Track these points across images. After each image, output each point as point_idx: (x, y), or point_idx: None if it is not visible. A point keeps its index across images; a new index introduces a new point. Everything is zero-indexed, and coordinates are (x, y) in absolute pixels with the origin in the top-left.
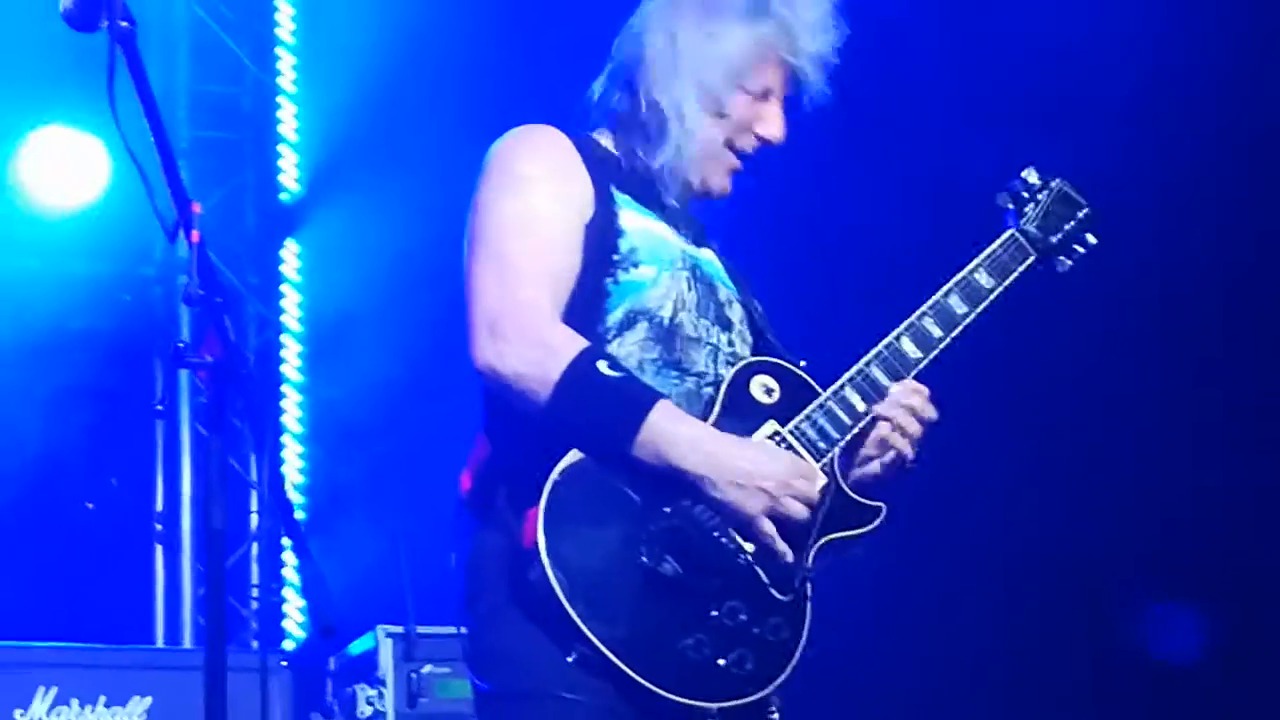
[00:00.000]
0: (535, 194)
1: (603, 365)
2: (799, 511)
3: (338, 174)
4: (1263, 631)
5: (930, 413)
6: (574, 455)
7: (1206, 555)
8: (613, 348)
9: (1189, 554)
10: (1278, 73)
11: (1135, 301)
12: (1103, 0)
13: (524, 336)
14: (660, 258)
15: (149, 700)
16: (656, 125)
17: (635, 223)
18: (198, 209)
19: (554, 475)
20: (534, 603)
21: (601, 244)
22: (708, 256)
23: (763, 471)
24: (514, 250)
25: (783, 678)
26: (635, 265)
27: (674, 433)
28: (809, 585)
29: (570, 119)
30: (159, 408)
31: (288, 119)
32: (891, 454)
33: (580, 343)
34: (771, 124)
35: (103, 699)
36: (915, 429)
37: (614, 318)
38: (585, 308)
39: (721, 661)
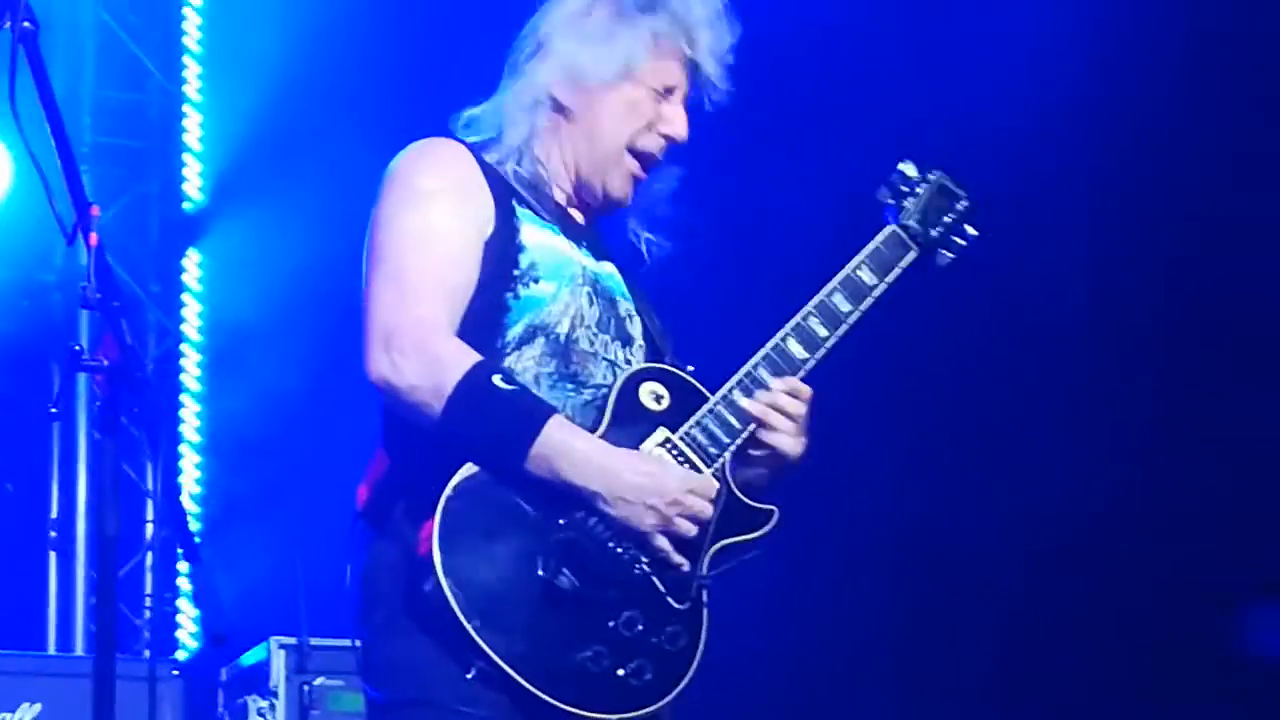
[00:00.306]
0: (435, 209)
1: (497, 379)
2: (688, 530)
3: (241, 184)
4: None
5: (799, 408)
6: (469, 469)
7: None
8: (510, 361)
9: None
10: (1212, 70)
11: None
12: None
13: (418, 351)
14: (560, 273)
15: (38, 707)
16: (531, 132)
17: (536, 238)
18: (96, 212)
19: (448, 490)
20: (430, 617)
21: (502, 259)
22: (608, 270)
23: (653, 487)
24: (411, 266)
25: (682, 685)
26: (535, 280)
27: (567, 447)
28: (705, 592)
29: (473, 129)
30: (53, 410)
31: (192, 128)
32: (772, 451)
33: (473, 356)
34: (675, 122)
35: None
36: (788, 427)
37: (513, 332)
38: (485, 322)
39: (621, 672)
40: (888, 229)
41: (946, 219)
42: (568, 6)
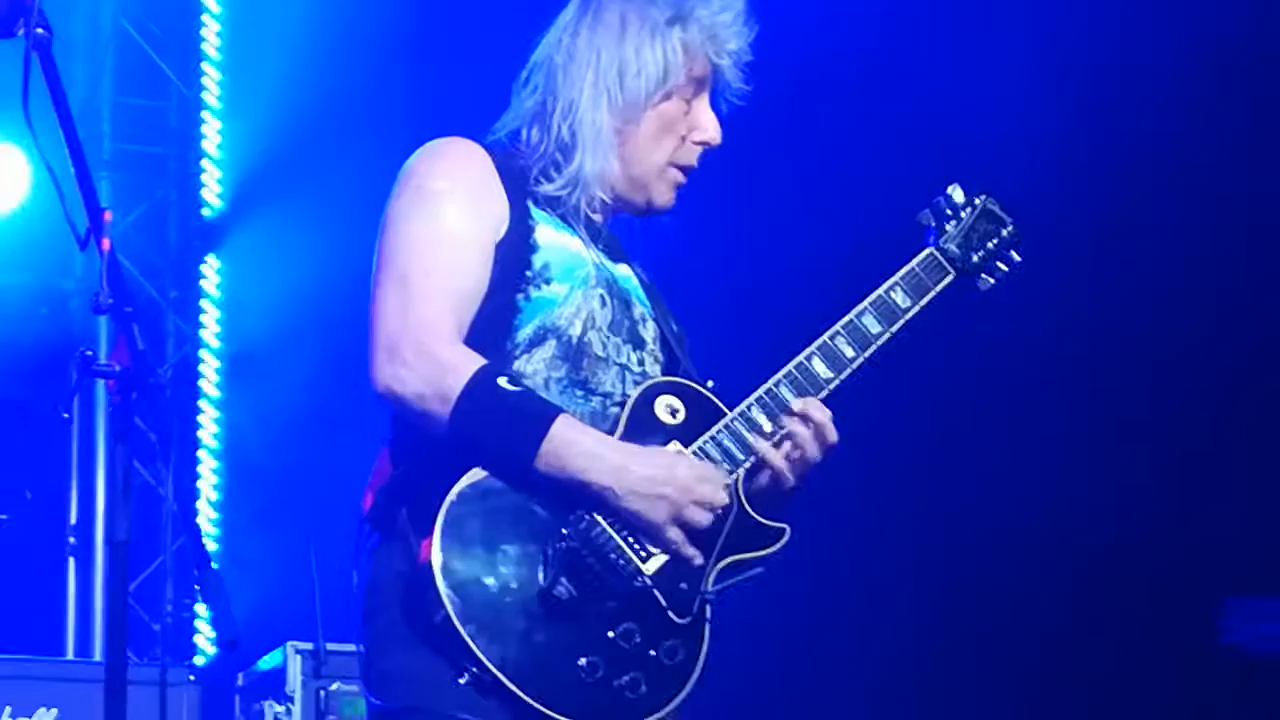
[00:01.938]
0: (445, 211)
1: (502, 381)
2: (703, 519)
3: (260, 191)
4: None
5: (827, 419)
6: (475, 475)
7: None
8: (520, 364)
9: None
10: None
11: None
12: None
13: (421, 357)
14: (573, 275)
15: (55, 712)
16: (562, 145)
17: (549, 238)
18: (109, 217)
19: (451, 495)
20: (428, 623)
21: (514, 260)
22: (624, 273)
23: (665, 477)
24: (417, 270)
25: (678, 701)
26: (547, 282)
27: (577, 444)
28: (708, 608)
29: (491, 134)
30: (65, 415)
31: (211, 134)
32: (785, 471)
33: (478, 361)
34: (709, 128)
35: (8, 709)
36: (813, 451)
37: (523, 334)
38: (495, 323)
39: (616, 684)
40: (925, 251)
41: (990, 244)
42: (600, 18)
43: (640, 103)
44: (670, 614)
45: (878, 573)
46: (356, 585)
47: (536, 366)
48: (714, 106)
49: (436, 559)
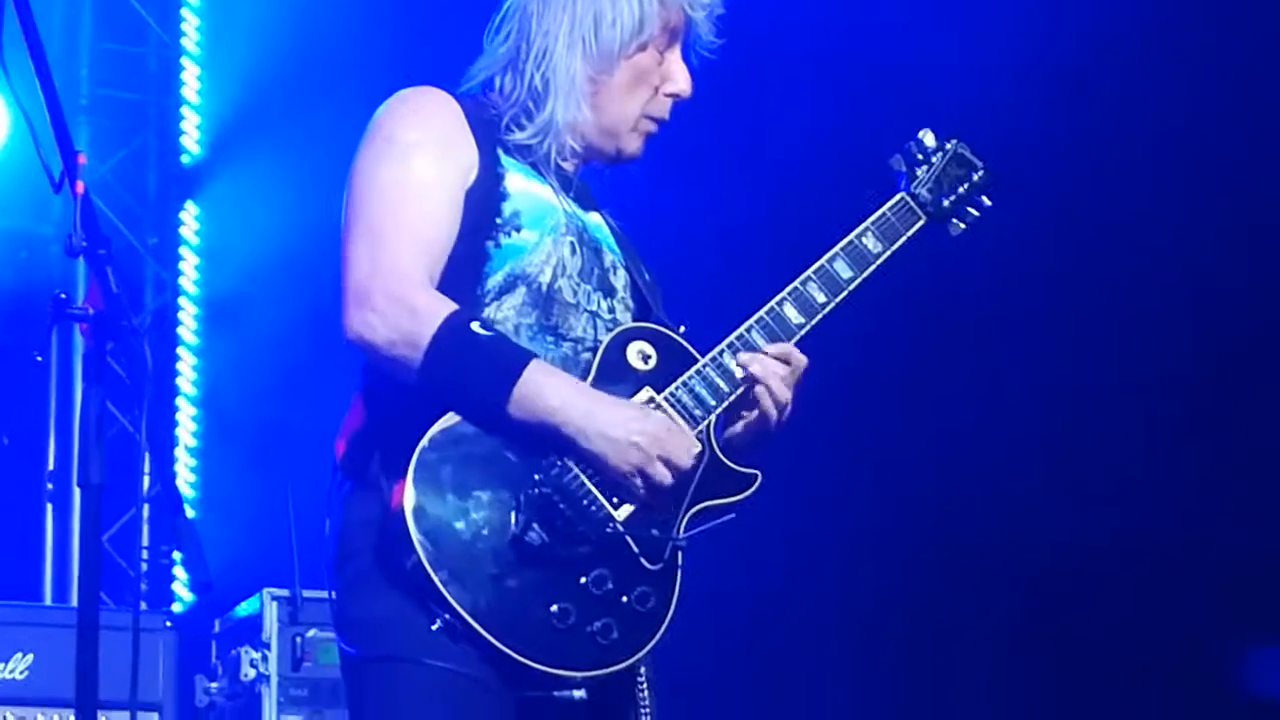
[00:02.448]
0: (414, 160)
1: (474, 326)
2: (664, 476)
3: (239, 138)
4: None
5: (789, 377)
6: (447, 420)
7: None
8: (490, 311)
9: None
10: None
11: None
12: None
13: (391, 304)
14: (543, 222)
15: (30, 657)
16: (534, 93)
17: (520, 186)
18: (83, 160)
19: (423, 441)
20: (399, 569)
21: (484, 207)
22: (595, 221)
23: (634, 429)
24: (386, 220)
25: (649, 647)
26: (517, 229)
27: (549, 387)
28: (680, 554)
29: (465, 81)
30: (38, 358)
31: (191, 81)
32: (756, 415)
33: (449, 306)
34: (680, 79)
35: None
36: (784, 393)
37: (493, 281)
38: (465, 270)
39: (588, 630)
40: (896, 196)
41: (961, 189)
42: None
43: (615, 52)
44: (642, 560)
45: (859, 557)
46: (328, 532)
47: (506, 313)
48: (685, 58)
49: (409, 504)
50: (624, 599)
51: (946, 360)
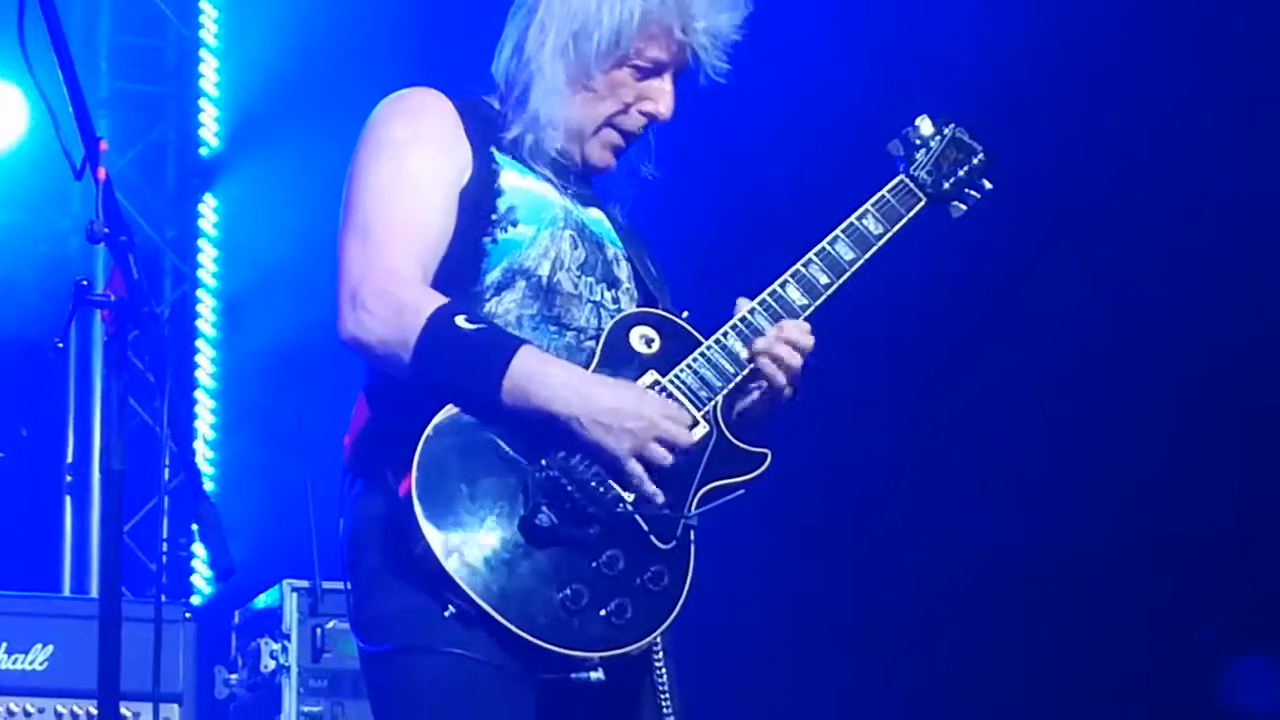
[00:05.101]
0: (406, 159)
1: (460, 319)
2: (663, 457)
3: (258, 130)
4: None
5: (807, 343)
6: (448, 411)
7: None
8: (491, 305)
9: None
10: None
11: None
12: None
13: (381, 301)
14: (539, 217)
15: (51, 648)
16: (522, 90)
17: (514, 182)
18: (105, 146)
19: (427, 432)
20: (411, 561)
21: (479, 204)
22: (595, 215)
23: (631, 411)
24: (378, 218)
25: (664, 626)
26: (513, 224)
27: (541, 374)
28: (692, 533)
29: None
30: (59, 345)
31: (209, 73)
32: (766, 388)
33: (437, 300)
34: (660, 101)
35: (4, 645)
36: (795, 362)
37: (491, 277)
38: (462, 267)
39: (602, 611)
40: (896, 179)
41: (961, 172)
42: None
43: (589, 65)
44: (653, 539)
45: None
46: (341, 533)
47: (508, 306)
48: (691, 78)
49: (416, 492)
50: (637, 579)
51: (947, 361)
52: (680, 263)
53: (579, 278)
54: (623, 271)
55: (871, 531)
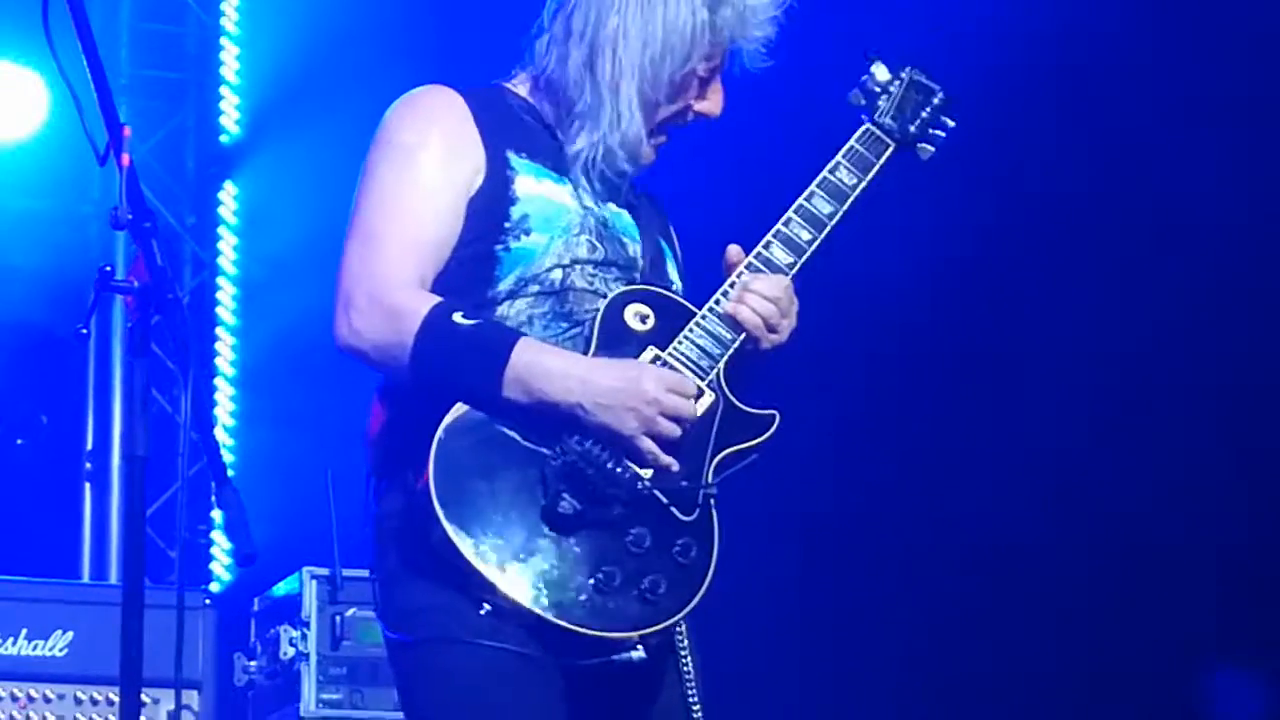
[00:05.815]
0: (414, 163)
1: (456, 316)
2: (671, 430)
3: (278, 117)
4: None
5: (774, 292)
6: (459, 409)
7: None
8: (503, 309)
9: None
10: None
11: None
12: None
13: (374, 305)
14: (553, 224)
15: (71, 634)
16: (590, 104)
17: (529, 189)
18: (128, 133)
19: (439, 431)
20: (438, 561)
21: (492, 211)
22: (615, 210)
23: (631, 390)
24: (380, 224)
25: (699, 596)
26: (526, 233)
27: (540, 365)
28: (712, 501)
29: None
30: (83, 331)
31: (230, 60)
32: (757, 347)
33: (430, 300)
34: (713, 101)
35: (24, 631)
36: (765, 309)
37: (504, 285)
38: (475, 274)
39: (635, 590)
40: (863, 127)
41: (924, 114)
42: None
43: (661, 84)
44: (676, 512)
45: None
46: (368, 535)
47: (519, 308)
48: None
49: (436, 498)
50: (666, 553)
51: (950, 361)
52: (692, 247)
53: (595, 274)
54: (642, 265)
55: (873, 531)
